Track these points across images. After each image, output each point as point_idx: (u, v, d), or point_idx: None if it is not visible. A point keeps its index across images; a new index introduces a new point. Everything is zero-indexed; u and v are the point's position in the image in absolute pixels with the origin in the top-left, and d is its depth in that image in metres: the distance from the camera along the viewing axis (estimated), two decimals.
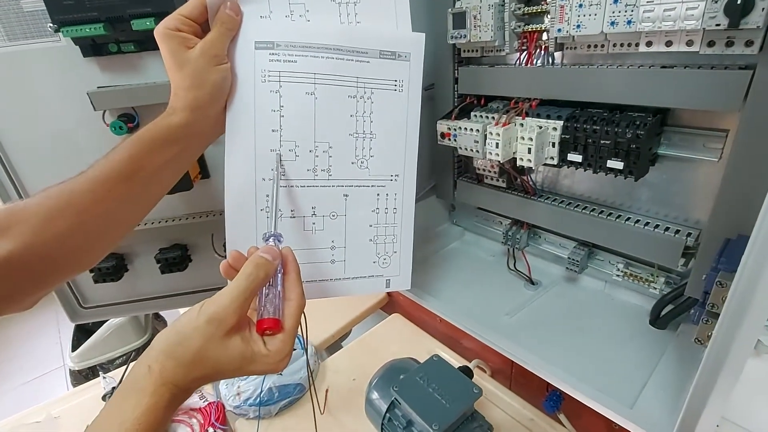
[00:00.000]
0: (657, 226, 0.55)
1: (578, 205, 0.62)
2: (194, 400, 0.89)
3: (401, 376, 0.69)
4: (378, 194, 0.48)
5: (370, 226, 0.49)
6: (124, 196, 0.40)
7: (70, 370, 1.64)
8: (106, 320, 1.65)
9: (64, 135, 0.59)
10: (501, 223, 0.78)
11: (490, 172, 0.68)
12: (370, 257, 0.50)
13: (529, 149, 0.54)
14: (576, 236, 0.65)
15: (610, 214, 0.59)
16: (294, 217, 0.46)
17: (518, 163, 0.56)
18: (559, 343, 0.60)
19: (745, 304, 0.32)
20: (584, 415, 0.81)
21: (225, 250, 0.69)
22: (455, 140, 0.63)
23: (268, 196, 0.44)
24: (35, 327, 2.34)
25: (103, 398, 0.93)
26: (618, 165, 0.50)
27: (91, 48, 0.54)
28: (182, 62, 0.39)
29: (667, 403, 0.46)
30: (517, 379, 0.93)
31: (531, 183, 0.65)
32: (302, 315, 0.38)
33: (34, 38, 0.55)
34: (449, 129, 0.64)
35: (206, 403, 0.88)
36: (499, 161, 0.57)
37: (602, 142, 0.51)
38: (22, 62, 0.54)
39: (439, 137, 0.66)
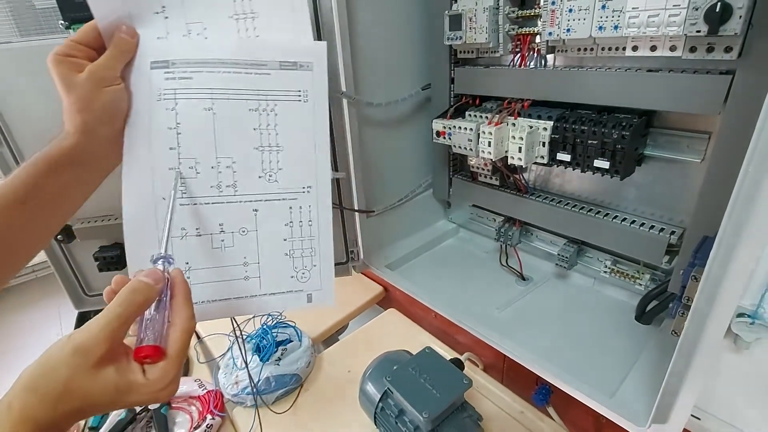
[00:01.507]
0: (642, 224, 0.57)
1: (568, 203, 0.64)
2: (193, 388, 0.92)
3: (394, 367, 0.71)
4: (290, 207, 0.47)
5: (285, 240, 0.47)
6: (19, 221, 0.38)
7: None
8: None
9: None
10: (494, 220, 0.80)
11: (483, 170, 0.70)
12: (288, 272, 0.48)
13: (520, 148, 0.56)
14: (566, 233, 0.67)
15: (598, 212, 0.61)
16: (200, 235, 0.44)
17: (509, 161, 0.58)
18: (548, 336, 0.62)
19: (713, 295, 0.34)
20: (572, 408, 0.83)
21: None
22: (450, 138, 0.65)
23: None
24: (37, 318, 2.36)
25: None
26: (604, 164, 0.52)
27: None
28: (70, 86, 0.38)
29: (645, 392, 0.48)
30: (509, 373, 0.95)
31: (523, 181, 0.67)
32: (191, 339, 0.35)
33: (45, 34, 0.57)
34: (444, 128, 0.66)
35: (205, 391, 0.91)
36: (491, 159, 0.60)
37: (590, 142, 0.53)
38: (34, 57, 0.56)
39: (434, 135, 0.68)
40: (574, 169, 0.56)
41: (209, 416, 0.84)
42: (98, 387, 0.30)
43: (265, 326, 0.99)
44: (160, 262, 0.36)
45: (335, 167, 0.69)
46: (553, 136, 0.56)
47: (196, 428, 0.82)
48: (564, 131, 0.55)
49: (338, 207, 0.72)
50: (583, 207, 0.63)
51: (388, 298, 1.24)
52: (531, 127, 0.56)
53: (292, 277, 0.49)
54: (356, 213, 0.73)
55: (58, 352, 0.30)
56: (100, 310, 0.32)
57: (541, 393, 0.79)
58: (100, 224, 0.66)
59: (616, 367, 0.55)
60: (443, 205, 0.89)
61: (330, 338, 1.13)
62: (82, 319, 1.81)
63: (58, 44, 0.56)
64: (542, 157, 0.58)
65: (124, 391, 0.31)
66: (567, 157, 0.55)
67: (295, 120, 0.46)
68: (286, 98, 0.45)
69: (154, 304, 0.33)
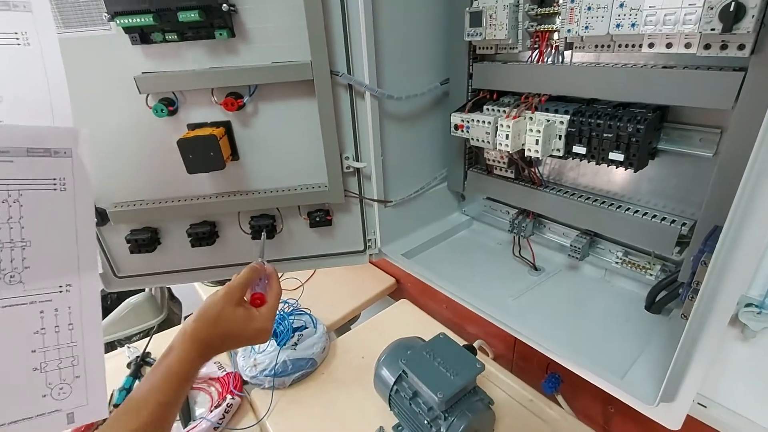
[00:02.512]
0: (654, 216, 0.59)
1: (582, 195, 0.66)
2: (213, 370, 0.95)
3: (408, 352, 0.74)
4: (42, 312, 0.41)
5: (33, 351, 0.41)
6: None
7: None
8: (128, 297, 1.74)
9: (110, 118, 0.65)
10: (508, 212, 0.82)
11: (499, 163, 0.72)
12: (38, 391, 0.41)
13: (537, 140, 0.58)
14: (578, 225, 0.69)
15: (611, 204, 0.63)
16: None
17: (526, 153, 0.61)
18: (559, 323, 0.64)
19: (720, 278, 0.37)
20: (581, 397, 0.86)
21: (250, 229, 0.75)
22: (468, 132, 0.68)
23: None
24: None
25: (128, 366, 0.99)
26: (619, 157, 0.54)
27: (139, 36, 0.59)
28: None
29: (654, 375, 0.50)
30: (518, 363, 0.98)
31: (538, 174, 0.70)
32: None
33: (87, 26, 0.60)
34: (462, 121, 0.68)
35: (224, 373, 0.94)
36: (508, 152, 0.62)
37: (605, 135, 0.55)
38: (77, 48, 0.60)
39: (452, 128, 0.71)
40: (588, 162, 0.58)
41: (229, 396, 0.88)
42: (235, 316, 0.50)
43: (282, 312, 1.02)
44: (260, 260, 0.59)
45: (357, 157, 0.72)
46: (569, 129, 0.58)
47: (216, 407, 0.85)
48: (580, 125, 0.57)
49: (358, 197, 0.75)
50: (597, 199, 0.65)
51: (399, 290, 1.27)
52: (548, 121, 0.59)
53: (45, 396, 0.42)
54: (375, 203, 0.76)
55: (213, 296, 0.51)
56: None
57: (551, 381, 0.82)
58: (132, 208, 0.70)
59: (626, 352, 0.57)
60: (457, 197, 0.91)
61: (342, 327, 1.16)
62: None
63: (100, 36, 0.60)
64: (558, 150, 0.60)
65: (249, 319, 0.51)
66: (582, 150, 0.57)
67: (48, 210, 0.41)
68: (35, 187, 0.40)
69: (260, 282, 0.57)
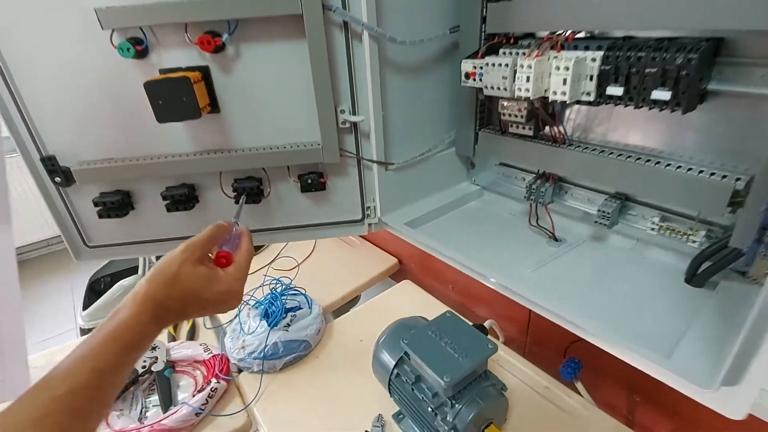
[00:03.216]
0: (701, 171, 0.50)
1: (612, 152, 0.57)
2: (198, 352, 0.88)
3: (411, 332, 0.66)
4: None
5: None
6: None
7: (81, 328, 1.66)
8: (121, 280, 1.67)
9: (70, 60, 0.56)
10: (523, 179, 0.73)
11: (516, 117, 0.63)
12: None
13: (565, 80, 0.49)
14: (609, 186, 0.60)
15: (648, 160, 0.54)
16: None
17: (551, 98, 0.52)
18: (586, 298, 0.56)
19: None
20: (603, 384, 0.77)
21: (233, 192, 0.67)
22: (481, 79, 0.59)
23: None
24: (49, 291, 2.38)
25: None
26: (664, 95, 0.45)
27: None
28: None
29: (707, 355, 0.42)
30: (532, 347, 0.90)
31: (561, 129, 0.61)
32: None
33: None
34: (475, 68, 0.60)
35: (210, 355, 0.87)
36: (529, 97, 0.53)
37: (648, 70, 0.46)
38: None
39: (462, 78, 0.62)
40: (625, 106, 0.49)
41: (214, 380, 0.80)
42: (196, 276, 0.43)
43: (274, 291, 0.94)
44: (232, 220, 0.52)
45: (354, 111, 0.63)
46: (603, 67, 0.49)
47: (199, 391, 0.78)
48: (616, 60, 0.48)
49: (355, 157, 0.67)
50: (630, 155, 0.56)
51: (402, 271, 1.19)
52: (578, 57, 0.50)
53: None
54: (374, 166, 0.67)
55: (172, 253, 0.44)
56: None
57: (569, 366, 0.74)
58: (100, 167, 0.62)
59: (666, 330, 0.48)
60: (466, 165, 0.83)
61: (341, 309, 1.08)
62: (91, 289, 1.80)
63: None
64: (588, 93, 0.51)
65: (212, 279, 0.44)
66: (619, 91, 0.48)
67: None
68: None
69: (228, 241, 0.49)
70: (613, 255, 0.64)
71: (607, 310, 0.53)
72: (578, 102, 0.54)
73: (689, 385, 0.38)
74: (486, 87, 0.58)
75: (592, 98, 0.51)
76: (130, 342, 0.40)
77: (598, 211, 0.60)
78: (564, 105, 0.62)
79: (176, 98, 0.54)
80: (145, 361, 0.85)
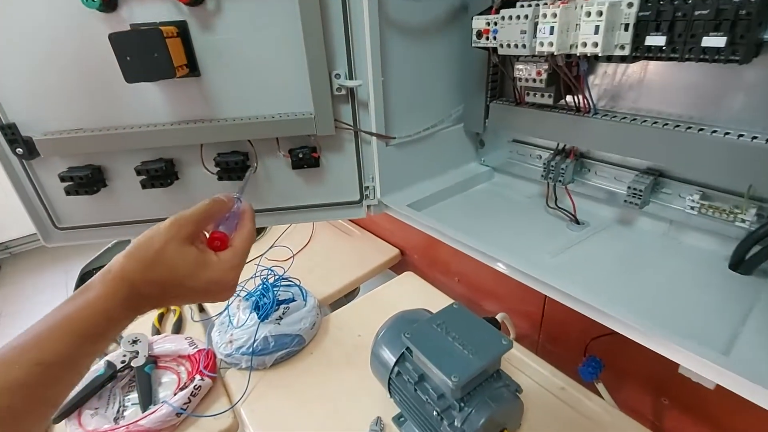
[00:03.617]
0: (755, 137, 0.43)
1: (646, 120, 0.50)
2: (183, 347, 0.81)
3: (414, 325, 0.59)
4: None
5: None
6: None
7: None
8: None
9: (28, 12, 0.49)
10: (539, 156, 0.66)
11: (535, 82, 0.55)
12: None
13: (597, 28, 0.42)
14: (644, 158, 0.53)
15: (689, 127, 0.47)
16: None
17: (579, 51, 0.44)
18: (616, 288, 0.48)
19: None
20: (626, 385, 0.70)
21: (215, 167, 0.60)
22: (495, 37, 0.52)
23: None
24: (44, 283, 2.33)
25: None
26: (719, 42, 0.38)
27: None
28: None
29: None
30: (545, 345, 0.82)
31: (587, 94, 0.53)
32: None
33: None
34: (488, 24, 0.52)
35: (196, 350, 0.80)
36: (553, 53, 0.46)
37: (697, 13, 0.38)
38: None
39: (474, 37, 0.55)
40: (668, 59, 0.42)
41: (198, 377, 0.73)
42: (182, 259, 0.36)
43: (265, 282, 0.87)
44: (235, 196, 0.44)
45: (350, 74, 0.56)
46: (641, 13, 0.42)
47: (182, 389, 0.71)
48: (658, 4, 0.40)
49: (352, 129, 0.59)
50: (667, 123, 0.48)
51: (404, 262, 1.12)
52: (612, 1, 0.42)
53: None
54: (373, 140, 0.60)
55: (157, 227, 0.36)
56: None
57: (590, 366, 0.66)
58: (66, 137, 0.55)
59: (715, 323, 0.41)
60: (474, 143, 0.75)
61: (338, 303, 1.02)
62: (82, 280, 1.74)
63: None
64: (623, 46, 0.43)
65: (201, 264, 0.37)
66: (660, 40, 0.41)
67: None
68: None
69: (226, 220, 0.42)
70: (642, 240, 0.56)
71: (641, 301, 0.46)
72: (608, 59, 0.46)
73: (761, 390, 0.31)
74: (501, 45, 0.51)
75: (626, 52, 0.43)
76: (91, 329, 0.33)
77: (629, 189, 0.53)
78: (591, 64, 0.54)
79: (147, 53, 0.47)
80: (124, 356, 0.78)
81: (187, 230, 0.37)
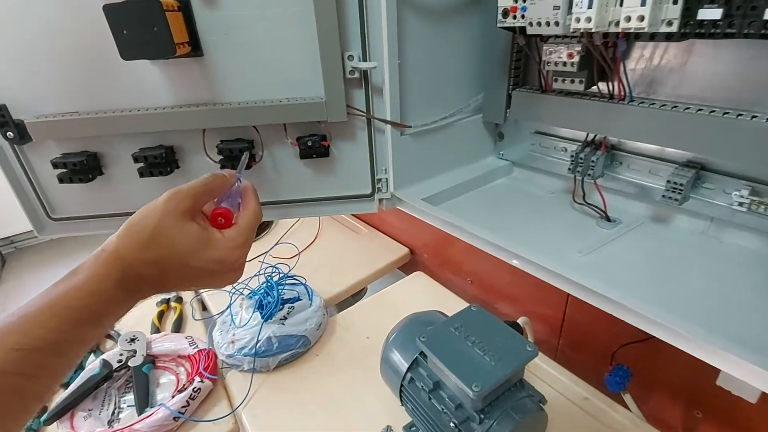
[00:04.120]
0: None
1: (689, 107, 0.45)
2: (183, 346, 0.78)
3: (429, 328, 0.54)
4: None
5: None
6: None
7: None
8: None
9: None
10: (565, 149, 0.62)
11: (565, 65, 0.51)
12: None
13: (643, 0, 0.38)
14: (686, 150, 0.49)
15: (740, 114, 0.42)
16: None
17: (622, 26, 0.40)
18: (653, 289, 0.44)
19: None
20: (655, 396, 0.65)
21: (218, 155, 0.56)
22: (523, 15, 0.47)
23: None
24: (49, 279, 2.31)
25: None
26: None
27: None
28: None
29: None
30: (565, 351, 0.78)
31: (624, 79, 0.49)
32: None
33: None
34: (516, 1, 0.48)
35: (196, 350, 0.76)
36: (590, 29, 0.41)
37: None
38: None
39: (499, 17, 0.50)
40: (723, 36, 0.37)
41: (197, 378, 0.69)
42: (182, 235, 0.33)
43: (269, 280, 0.84)
44: (236, 174, 0.41)
45: (364, 56, 0.52)
46: None
47: (180, 391, 0.67)
48: None
49: (365, 116, 0.55)
50: (714, 110, 0.44)
51: (414, 262, 1.07)
52: None
53: None
54: (387, 128, 0.56)
55: (152, 203, 0.34)
56: None
57: (617, 375, 0.62)
58: (60, 119, 0.52)
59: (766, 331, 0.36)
60: (493, 136, 0.71)
61: (345, 303, 0.97)
62: None
63: None
64: (670, 22, 0.39)
65: (204, 242, 0.34)
66: (716, 14, 0.37)
67: None
68: None
69: (227, 197, 0.39)
70: (679, 238, 0.52)
71: (681, 304, 0.41)
72: (651, 37, 0.42)
73: None
74: (531, 24, 0.46)
75: (674, 28, 0.39)
76: (80, 313, 0.30)
77: (668, 183, 0.48)
78: (628, 45, 0.50)
79: (145, 27, 0.43)
80: (121, 355, 0.75)
81: (185, 204, 0.34)
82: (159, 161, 0.54)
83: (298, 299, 0.82)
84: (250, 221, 0.37)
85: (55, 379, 0.30)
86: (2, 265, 2.47)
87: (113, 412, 0.68)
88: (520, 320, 0.68)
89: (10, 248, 2.62)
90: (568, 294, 0.43)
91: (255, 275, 0.95)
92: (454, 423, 0.48)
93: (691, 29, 0.39)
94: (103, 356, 0.75)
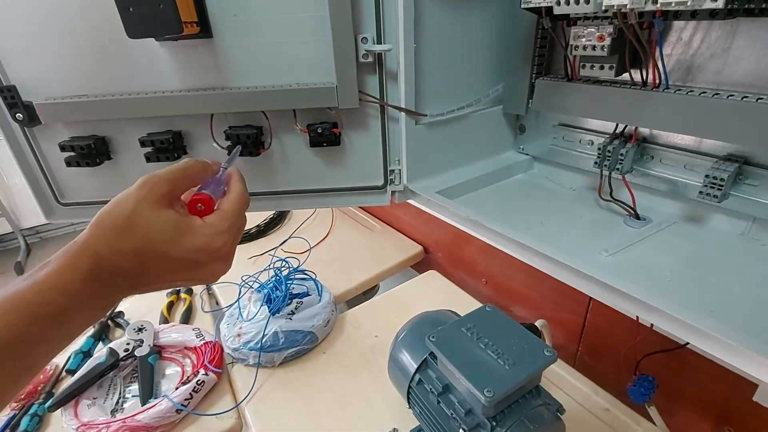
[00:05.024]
0: None
1: (732, 94, 0.41)
2: (190, 338, 0.77)
3: (439, 328, 0.51)
4: None
5: None
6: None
7: None
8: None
9: None
10: (591, 143, 0.58)
11: (594, 49, 0.47)
12: None
13: None
14: (729, 142, 0.44)
15: None
16: None
17: (661, 3, 0.36)
18: (692, 294, 0.40)
19: None
20: (681, 409, 0.61)
21: (226, 140, 0.55)
22: None
23: None
24: None
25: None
26: None
27: None
28: None
29: None
30: (584, 358, 0.74)
31: (660, 64, 0.45)
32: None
33: None
34: None
35: (203, 342, 0.75)
36: (625, 7, 0.38)
37: None
38: None
39: None
40: None
41: (202, 371, 0.68)
42: (159, 222, 0.30)
43: (279, 274, 0.82)
44: (222, 166, 0.39)
45: (378, 38, 0.49)
46: None
47: (184, 383, 0.66)
48: None
49: (378, 102, 0.53)
50: (762, 98, 0.40)
51: (427, 261, 1.04)
52: None
53: None
54: (401, 117, 0.54)
55: (126, 190, 0.32)
56: None
57: (642, 386, 0.58)
58: (69, 101, 0.51)
59: None
60: (514, 129, 0.67)
61: (356, 300, 0.95)
62: None
63: None
64: None
65: (183, 229, 0.31)
66: None
67: None
68: None
69: (209, 185, 0.36)
70: (716, 239, 0.47)
71: (722, 313, 0.37)
72: (693, 15, 0.38)
73: None
74: (559, 3, 0.43)
75: (720, 4, 0.35)
76: (43, 308, 0.27)
77: (706, 178, 0.44)
78: (666, 25, 0.46)
79: (151, 4, 0.41)
80: (128, 344, 0.74)
81: (161, 190, 0.32)
82: (166, 146, 0.53)
83: (307, 294, 0.80)
84: (234, 205, 0.35)
85: (17, 384, 0.27)
86: (27, 255, 2.54)
87: (117, 401, 0.68)
88: (538, 323, 0.64)
89: (35, 238, 2.70)
90: (590, 297, 0.40)
91: (265, 269, 0.94)
92: (463, 429, 0.45)
93: (739, 4, 0.35)
94: (111, 345, 0.74)
